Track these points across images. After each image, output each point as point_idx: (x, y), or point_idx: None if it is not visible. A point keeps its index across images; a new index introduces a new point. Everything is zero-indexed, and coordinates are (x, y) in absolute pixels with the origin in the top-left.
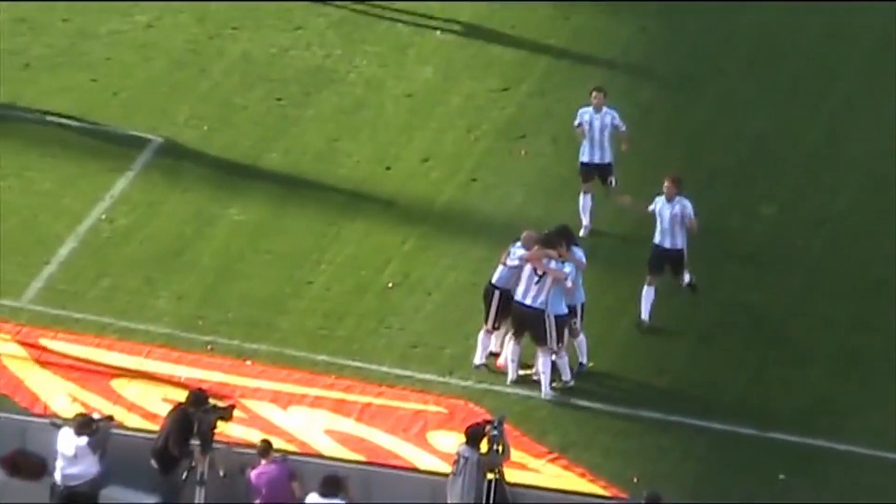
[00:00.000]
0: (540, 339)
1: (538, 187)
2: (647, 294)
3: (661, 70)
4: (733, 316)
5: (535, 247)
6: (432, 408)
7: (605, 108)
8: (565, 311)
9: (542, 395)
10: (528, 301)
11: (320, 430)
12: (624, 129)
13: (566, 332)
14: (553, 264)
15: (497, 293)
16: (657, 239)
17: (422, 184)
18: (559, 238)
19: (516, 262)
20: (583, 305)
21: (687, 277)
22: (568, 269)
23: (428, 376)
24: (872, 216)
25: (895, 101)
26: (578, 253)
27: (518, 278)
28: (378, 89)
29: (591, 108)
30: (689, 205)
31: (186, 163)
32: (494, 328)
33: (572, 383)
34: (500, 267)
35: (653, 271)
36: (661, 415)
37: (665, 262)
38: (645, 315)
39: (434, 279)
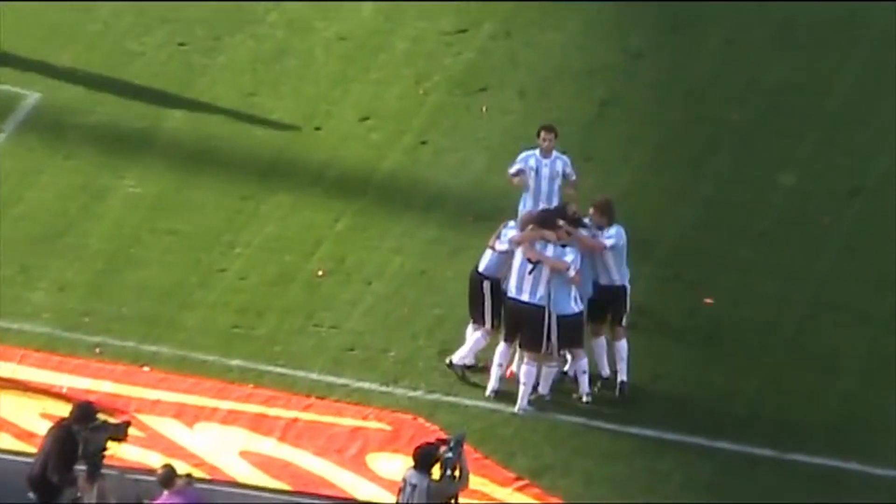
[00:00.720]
0: (531, 343)
1: (503, 151)
2: (598, 345)
3: (655, 7)
4: (744, 310)
5: (529, 227)
6: (373, 424)
7: (554, 153)
8: (575, 309)
9: (516, 409)
10: (524, 297)
11: (235, 451)
12: (574, 178)
13: (577, 336)
14: (550, 250)
15: (487, 284)
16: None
17: (360, 148)
18: (559, 216)
19: (506, 247)
20: (622, 289)
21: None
22: (570, 256)
23: (368, 385)
24: None
25: None
26: (583, 233)
27: (509, 267)
28: (304, 32)
29: (536, 152)
30: (621, 233)
31: (69, 123)
32: (495, 327)
33: (549, 396)
34: (489, 252)
35: (590, 318)
36: (656, 432)
37: (602, 303)
38: (605, 371)
39: (375, 266)
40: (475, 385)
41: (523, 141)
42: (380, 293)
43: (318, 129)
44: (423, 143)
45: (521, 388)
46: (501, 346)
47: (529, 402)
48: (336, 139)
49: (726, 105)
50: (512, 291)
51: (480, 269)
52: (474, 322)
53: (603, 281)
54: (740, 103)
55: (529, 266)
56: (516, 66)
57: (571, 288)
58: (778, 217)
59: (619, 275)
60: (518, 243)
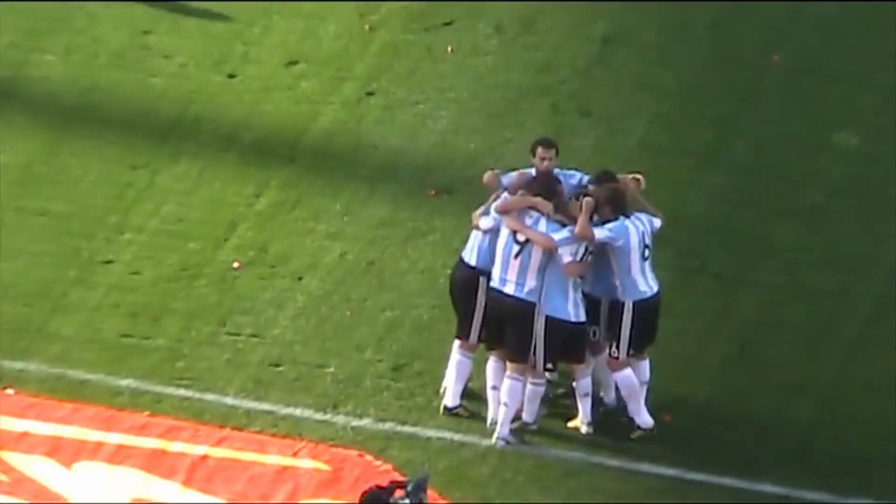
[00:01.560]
0: (516, 350)
1: (474, 104)
2: (601, 365)
3: None
4: (790, 310)
5: (519, 192)
6: (306, 463)
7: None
8: (570, 313)
9: (494, 440)
10: (507, 288)
11: (126, 498)
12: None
13: (573, 348)
14: (542, 225)
15: (484, 280)
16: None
17: (286, 101)
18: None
19: (491, 223)
20: (631, 305)
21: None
22: (562, 234)
23: (299, 411)
24: None
25: None
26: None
27: (495, 250)
28: None
29: (532, 173)
30: (624, 230)
31: None
32: (480, 342)
33: (535, 426)
34: (476, 234)
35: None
36: (676, 471)
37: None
38: (611, 395)
39: (307, 255)
40: (440, 410)
41: (501, 91)
42: (314, 291)
43: (231, 76)
44: (370, 94)
45: (503, 410)
46: (490, 361)
47: (512, 432)
48: (255, 90)
49: (764, 43)
50: (495, 281)
51: (468, 259)
52: (514, 357)
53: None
54: (783, 40)
55: (516, 247)
56: None
57: (568, 283)
58: (834, 188)
59: (614, 286)
60: (502, 212)
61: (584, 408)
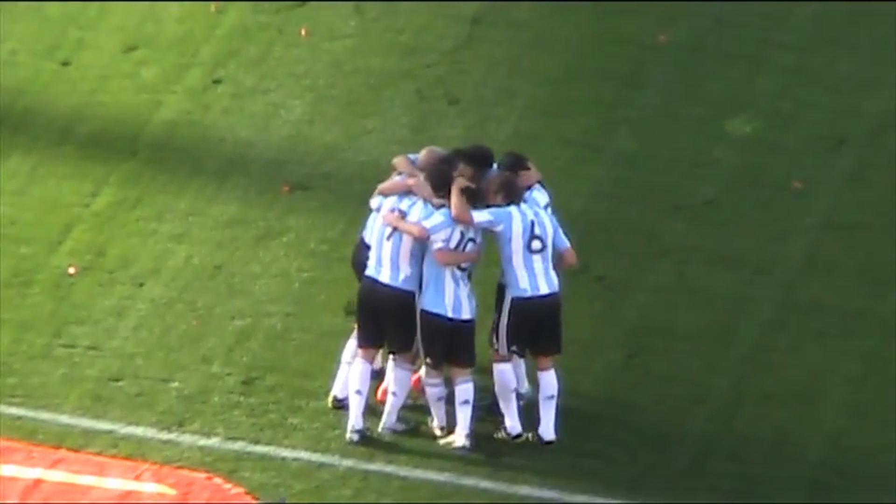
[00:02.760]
0: (395, 342)
1: (331, 92)
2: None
3: None
4: (681, 315)
5: (404, 174)
6: (150, 486)
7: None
8: (440, 306)
9: (380, 428)
10: (382, 276)
11: None
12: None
13: (452, 346)
14: (417, 210)
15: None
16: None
17: (125, 90)
18: (453, 161)
19: (378, 202)
20: (510, 300)
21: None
22: (436, 219)
23: (142, 431)
24: None
25: None
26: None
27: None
28: None
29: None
30: (506, 216)
31: None
32: (430, 360)
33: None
34: (371, 213)
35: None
36: (555, 493)
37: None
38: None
39: (149, 259)
40: (296, 428)
41: (362, 77)
42: (157, 299)
43: (65, 64)
44: (217, 81)
45: (390, 399)
46: (359, 360)
47: (400, 419)
48: (91, 78)
49: (651, 21)
50: (370, 269)
51: (368, 240)
52: (395, 349)
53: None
54: (671, 18)
55: (388, 229)
56: None
57: (445, 274)
58: (729, 181)
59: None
60: (382, 194)
61: (462, 418)
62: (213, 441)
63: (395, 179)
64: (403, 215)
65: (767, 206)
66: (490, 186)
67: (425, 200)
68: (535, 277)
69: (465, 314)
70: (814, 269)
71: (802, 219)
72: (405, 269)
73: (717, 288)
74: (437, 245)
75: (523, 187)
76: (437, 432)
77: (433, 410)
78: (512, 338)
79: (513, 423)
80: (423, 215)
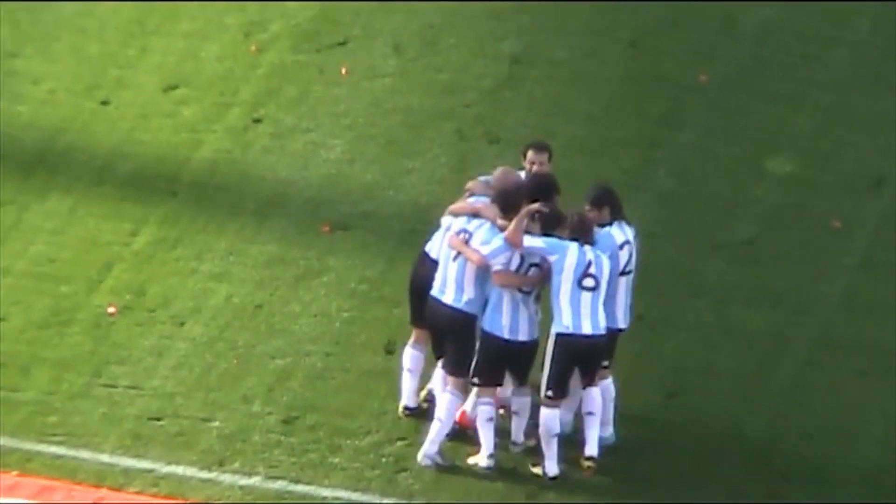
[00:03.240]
0: (450, 363)
1: (371, 131)
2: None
3: None
4: (720, 355)
5: (474, 197)
6: None
7: None
8: (500, 327)
9: (420, 458)
10: (446, 297)
11: None
12: None
13: (516, 367)
14: (485, 229)
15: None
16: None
17: (166, 129)
18: (523, 190)
19: (443, 223)
20: (554, 336)
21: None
22: (495, 244)
23: (182, 469)
24: None
25: None
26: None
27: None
28: None
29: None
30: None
31: None
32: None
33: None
34: (441, 228)
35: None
36: None
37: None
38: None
39: (189, 299)
40: (337, 467)
41: (401, 115)
42: (197, 338)
43: (105, 103)
44: (257, 121)
45: (435, 425)
46: (436, 370)
47: (440, 453)
48: (131, 117)
49: (690, 60)
50: (435, 288)
51: (433, 255)
52: (449, 370)
53: None
54: (710, 56)
55: (453, 252)
56: (389, 8)
57: (504, 296)
58: (768, 220)
59: None
60: (452, 214)
61: (485, 437)
62: (254, 480)
63: (468, 201)
64: (469, 237)
65: (806, 246)
66: (567, 222)
67: (491, 223)
68: (579, 316)
69: (522, 336)
70: (852, 308)
71: (841, 258)
72: (469, 292)
73: (755, 327)
74: (496, 268)
75: (594, 228)
76: (485, 462)
77: (481, 433)
78: (553, 376)
79: (551, 465)
80: (486, 238)
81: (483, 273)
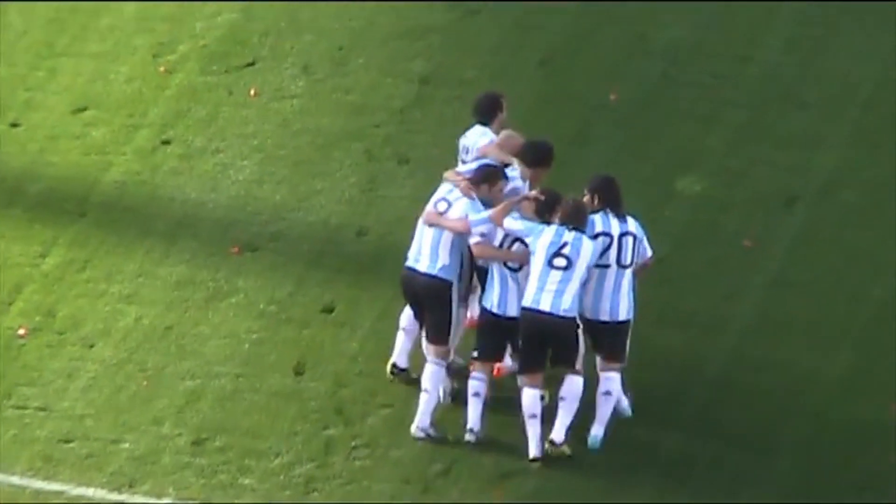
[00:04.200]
0: (430, 330)
1: (280, 152)
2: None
3: None
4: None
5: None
6: None
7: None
8: (487, 305)
9: (413, 430)
10: (420, 265)
11: None
12: None
13: (497, 345)
14: (461, 203)
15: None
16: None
17: (74, 151)
18: (498, 171)
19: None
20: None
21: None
22: (480, 214)
23: (92, 492)
24: None
25: None
26: (516, 220)
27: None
28: None
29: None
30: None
31: None
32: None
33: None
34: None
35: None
36: None
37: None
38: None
39: (99, 320)
40: (247, 488)
41: (310, 136)
42: (107, 359)
43: (14, 125)
44: (166, 142)
45: (423, 397)
46: (399, 335)
47: (433, 424)
48: (41, 139)
49: (600, 79)
50: (410, 259)
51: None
52: (429, 339)
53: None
54: (621, 75)
55: (436, 210)
56: (298, 29)
57: (493, 270)
58: (679, 239)
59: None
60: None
61: (471, 410)
62: (164, 501)
63: (461, 172)
64: (449, 206)
65: (718, 264)
66: (561, 205)
67: (470, 199)
68: (542, 292)
69: (511, 311)
70: (764, 327)
71: (752, 276)
72: (444, 258)
73: (667, 346)
74: (475, 238)
75: (587, 215)
76: (468, 436)
77: (469, 406)
78: (521, 353)
79: (533, 447)
80: (467, 210)
81: (459, 240)
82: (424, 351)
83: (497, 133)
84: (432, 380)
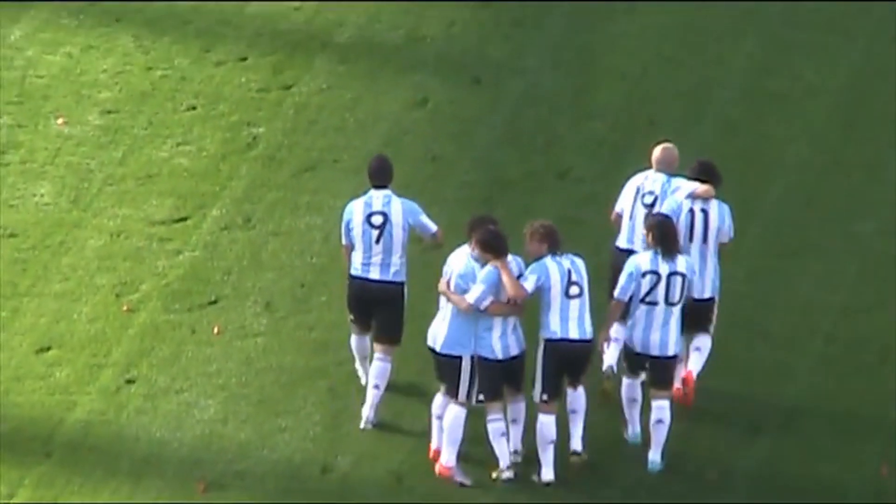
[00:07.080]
0: (381, 328)
1: (244, 390)
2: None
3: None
4: None
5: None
6: None
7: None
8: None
9: (362, 424)
10: (372, 273)
11: None
12: None
13: (500, 385)
14: (460, 269)
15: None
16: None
17: (38, 391)
18: (474, 226)
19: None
20: (544, 343)
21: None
22: (476, 290)
23: None
24: None
25: None
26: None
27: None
28: None
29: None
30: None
31: None
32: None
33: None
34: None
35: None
36: None
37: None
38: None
39: None
40: None
41: (273, 375)
42: None
43: None
44: (130, 381)
45: (371, 392)
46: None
47: (376, 415)
48: (5, 380)
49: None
50: (357, 269)
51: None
52: (385, 338)
53: None
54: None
55: (374, 232)
56: (259, 266)
57: (493, 320)
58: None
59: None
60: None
61: (500, 451)
62: None
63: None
64: (450, 275)
65: None
66: (534, 233)
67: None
68: (567, 321)
69: (514, 351)
70: None
71: None
72: (395, 264)
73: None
74: (487, 303)
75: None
76: (505, 475)
77: (496, 448)
78: (544, 381)
79: (547, 471)
80: (466, 276)
81: (406, 241)
82: (375, 349)
83: None
84: (379, 375)
